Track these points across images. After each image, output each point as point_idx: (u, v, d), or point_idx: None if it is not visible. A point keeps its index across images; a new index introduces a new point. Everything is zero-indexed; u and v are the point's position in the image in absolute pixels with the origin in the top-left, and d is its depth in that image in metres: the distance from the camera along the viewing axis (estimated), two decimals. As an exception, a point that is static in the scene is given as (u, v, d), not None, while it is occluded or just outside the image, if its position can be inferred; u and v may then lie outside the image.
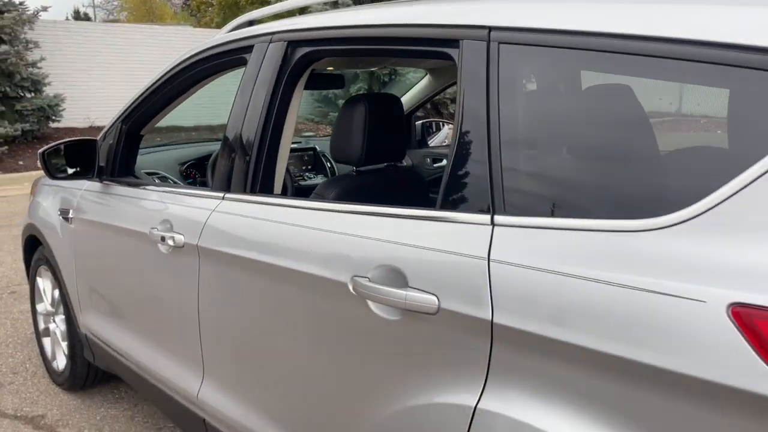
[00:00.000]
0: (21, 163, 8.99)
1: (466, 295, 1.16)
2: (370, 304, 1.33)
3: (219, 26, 29.67)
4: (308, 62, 1.82)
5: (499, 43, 1.27)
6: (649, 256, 0.97)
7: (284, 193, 2.03)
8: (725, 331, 0.86)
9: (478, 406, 1.14)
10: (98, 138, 2.60)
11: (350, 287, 1.37)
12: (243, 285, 1.72)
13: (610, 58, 1.10)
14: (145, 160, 2.86)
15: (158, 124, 2.68)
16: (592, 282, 1.00)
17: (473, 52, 1.31)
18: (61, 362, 3.14)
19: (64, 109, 10.08)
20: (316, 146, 3.56)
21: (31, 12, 9.46)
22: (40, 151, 2.46)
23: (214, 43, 2.12)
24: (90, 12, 54.72)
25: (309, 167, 3.12)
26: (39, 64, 9.68)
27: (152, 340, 2.24)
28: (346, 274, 1.38)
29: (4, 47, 8.91)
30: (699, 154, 1.22)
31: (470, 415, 1.14)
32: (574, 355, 1.01)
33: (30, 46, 9.30)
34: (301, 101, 1.97)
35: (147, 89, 2.43)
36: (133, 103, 2.49)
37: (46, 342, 3.28)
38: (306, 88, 2.20)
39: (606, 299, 0.98)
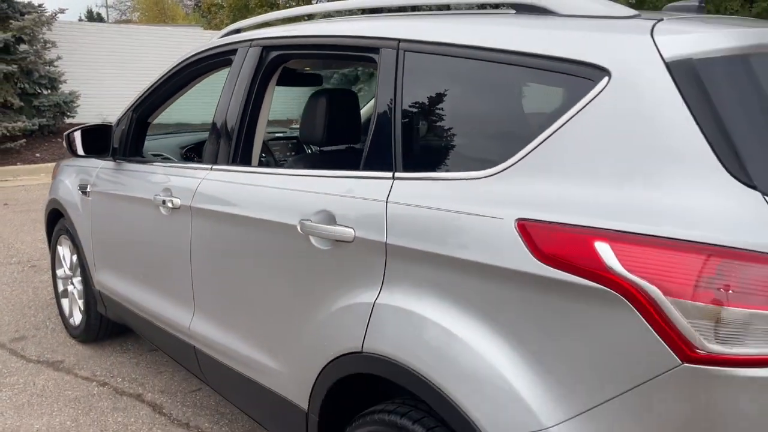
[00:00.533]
0: (38, 155, 9.56)
1: (370, 226, 1.66)
2: (311, 238, 1.83)
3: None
4: (279, 62, 2.32)
5: (406, 51, 1.77)
6: (479, 193, 1.46)
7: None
8: (513, 237, 1.35)
9: (376, 301, 1.63)
10: (113, 124, 3.12)
11: (298, 228, 1.87)
12: (224, 234, 2.23)
13: (464, 62, 1.61)
14: (151, 145, 3.36)
15: (169, 120, 3.20)
16: (447, 212, 1.50)
17: (389, 57, 1.81)
18: (77, 318, 3.66)
19: (78, 106, 10.64)
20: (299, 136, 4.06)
21: (50, 14, 10.02)
22: (66, 133, 2.98)
23: (208, 47, 2.63)
24: (103, 12, 55.44)
25: (292, 153, 3.62)
26: (55, 63, 10.24)
27: (154, 287, 2.75)
28: (296, 219, 1.88)
29: (24, 47, 9.48)
30: (503, 128, 1.69)
31: (371, 307, 1.64)
32: (434, 260, 1.50)
33: (48, 45, 9.86)
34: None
35: (154, 84, 2.95)
36: (142, 95, 3.00)
37: (65, 302, 3.79)
38: (284, 84, 2.72)
39: (454, 222, 1.48)
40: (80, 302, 3.59)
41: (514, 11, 1.67)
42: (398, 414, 1.60)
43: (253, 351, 2.14)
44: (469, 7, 2.15)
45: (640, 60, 1.31)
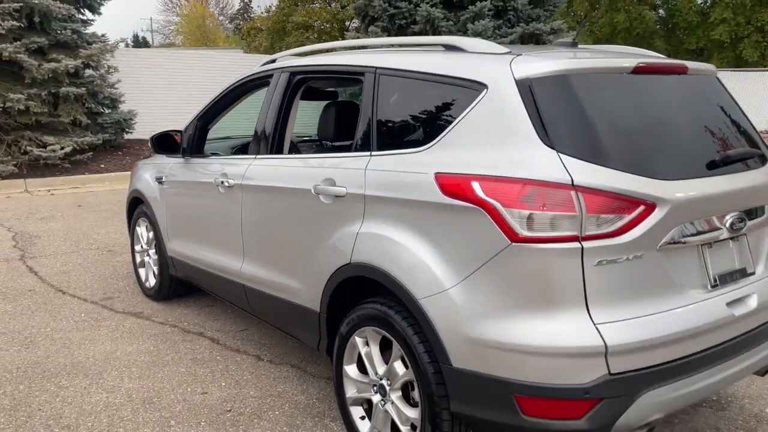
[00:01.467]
0: (102, 166, 10.84)
1: (355, 185, 2.64)
2: (320, 197, 2.82)
3: (267, 50, 31.86)
4: (301, 83, 3.34)
5: (379, 75, 2.76)
6: (415, 161, 2.43)
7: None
8: (431, 183, 2.31)
9: (359, 231, 2.61)
10: (183, 129, 4.18)
11: (312, 191, 2.86)
12: (264, 200, 3.24)
13: (413, 81, 2.59)
14: (210, 146, 4.40)
15: (226, 134, 4.29)
16: (398, 172, 2.47)
17: (372, 78, 2.80)
18: (151, 282, 4.72)
19: (135, 123, 11.93)
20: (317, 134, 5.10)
21: (112, 42, 11.35)
22: (151, 136, 4.07)
23: (253, 73, 3.67)
24: (148, 36, 57.95)
25: (312, 148, 4.63)
26: (116, 85, 11.55)
27: (213, 246, 3.78)
28: (310, 185, 2.88)
29: (90, 72, 10.81)
30: (431, 122, 2.63)
31: (355, 235, 2.62)
32: (391, 201, 2.47)
33: (111, 70, 11.17)
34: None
35: (212, 100, 4.00)
36: (204, 108, 4.06)
37: (141, 271, 4.87)
38: (306, 99, 3.73)
39: (401, 178, 2.45)
40: (155, 268, 4.65)
41: (444, 49, 2.66)
42: (376, 303, 2.56)
43: (283, 278, 3.14)
44: (419, 45, 3.12)
45: (502, 79, 2.28)
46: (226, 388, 3.37)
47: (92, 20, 11.38)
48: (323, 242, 2.82)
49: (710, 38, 30.84)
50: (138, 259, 4.92)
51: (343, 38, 15.47)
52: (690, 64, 2.62)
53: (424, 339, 2.32)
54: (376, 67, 2.79)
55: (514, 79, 2.25)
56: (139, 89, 13.22)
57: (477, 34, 13.40)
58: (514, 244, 2.09)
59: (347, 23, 30.20)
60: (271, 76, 3.48)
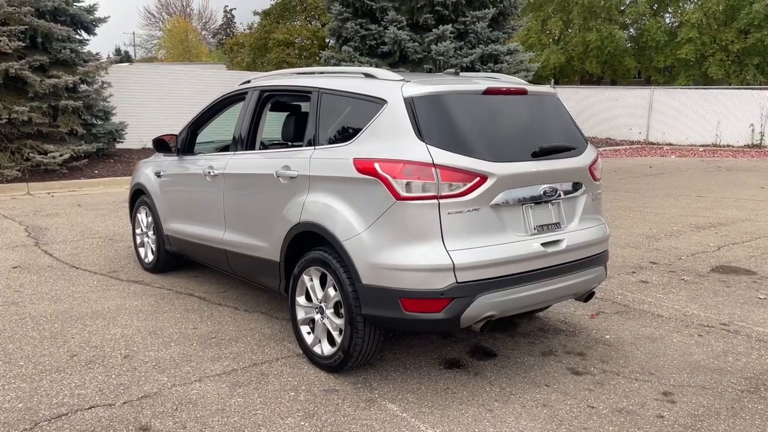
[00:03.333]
0: (96, 171, 11.91)
1: (303, 169, 3.82)
2: (279, 179, 4.00)
3: (249, 65, 33.11)
4: (268, 98, 4.53)
5: (321, 93, 3.96)
6: (341, 151, 3.62)
7: (260, 154, 4.72)
8: (351, 165, 3.50)
9: (305, 200, 3.78)
10: (177, 134, 5.34)
11: (274, 174, 4.04)
12: (240, 184, 4.42)
13: (342, 98, 3.79)
14: (198, 147, 5.55)
15: (211, 138, 5.46)
16: (330, 159, 3.66)
17: (315, 96, 4.00)
18: (149, 258, 5.86)
19: (126, 133, 13.01)
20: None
21: (105, 60, 12.47)
22: (153, 138, 5.24)
23: (232, 91, 4.86)
24: (131, 50, 58.78)
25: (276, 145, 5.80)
26: (108, 99, 12.64)
27: (201, 222, 4.94)
28: (273, 170, 4.06)
29: (85, 87, 11.92)
30: (353, 126, 3.82)
31: (303, 203, 3.79)
32: (326, 179, 3.65)
33: (104, 85, 12.27)
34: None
35: (201, 112, 5.18)
36: (194, 117, 5.23)
37: (141, 250, 6.01)
38: (274, 110, 4.92)
39: (332, 162, 3.63)
40: (153, 246, 5.78)
41: (364, 76, 3.87)
42: (319, 252, 3.72)
43: (254, 240, 4.31)
44: (348, 73, 4.27)
45: (396, 97, 3.48)
46: (211, 325, 4.52)
47: (88, 40, 12.49)
48: (281, 210, 3.99)
49: (677, 57, 32.31)
50: (138, 240, 6.05)
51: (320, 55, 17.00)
52: (530, 88, 3.86)
53: (346, 269, 3.50)
54: (319, 88, 4.00)
55: (403, 97, 3.46)
56: (130, 102, 14.30)
57: (440, 55, 14.73)
58: (397, 201, 3.28)
59: (327, 40, 31.57)
60: (246, 93, 4.67)
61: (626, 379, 3.73)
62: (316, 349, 3.81)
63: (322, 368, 3.78)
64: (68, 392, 3.47)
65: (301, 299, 3.93)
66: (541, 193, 3.55)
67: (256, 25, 36.20)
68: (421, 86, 3.50)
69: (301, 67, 28.05)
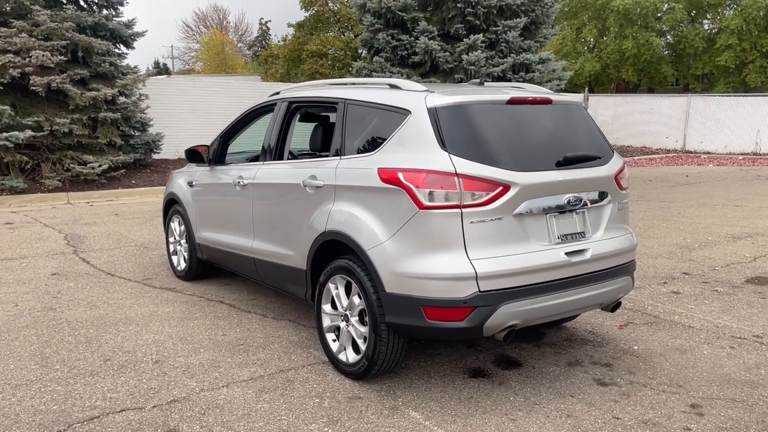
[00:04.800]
0: (133, 181, 12.22)
1: (330, 179, 3.88)
2: (306, 188, 4.07)
3: (282, 77, 33.58)
4: (296, 110, 4.62)
5: (347, 104, 4.03)
6: (367, 161, 3.68)
7: (289, 164, 4.80)
8: (375, 174, 3.55)
9: (331, 209, 3.84)
10: (209, 145, 5.47)
11: (301, 184, 4.11)
12: (269, 193, 4.50)
13: (368, 108, 3.85)
14: (230, 158, 5.67)
15: (242, 149, 5.59)
16: (356, 169, 3.72)
17: (342, 107, 4.07)
18: (182, 266, 5.99)
19: (162, 144, 13.32)
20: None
21: (143, 73, 12.80)
22: (186, 149, 5.38)
23: (261, 102, 4.97)
24: (169, 63, 60.13)
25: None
26: (145, 110, 12.97)
27: (230, 231, 5.04)
28: (300, 180, 4.13)
29: (124, 99, 12.26)
30: (378, 136, 3.86)
31: (329, 212, 3.85)
32: (352, 188, 3.70)
33: (142, 98, 12.59)
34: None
35: (232, 122, 5.29)
36: (225, 128, 5.35)
37: (174, 258, 6.15)
38: (302, 120, 5.00)
39: (358, 172, 3.69)
40: (185, 254, 5.92)
41: (389, 87, 3.92)
42: (344, 260, 3.77)
43: (281, 249, 4.39)
44: (373, 84, 4.32)
45: (419, 108, 3.52)
46: (239, 332, 4.61)
47: (126, 53, 12.86)
48: (308, 219, 4.06)
49: (716, 64, 31.71)
50: (171, 249, 6.19)
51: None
52: (555, 97, 3.86)
53: (370, 277, 3.54)
54: (345, 99, 4.07)
55: (426, 107, 3.50)
56: (166, 113, 14.64)
57: (471, 64, 14.74)
58: (420, 210, 3.32)
59: (359, 51, 31.82)
60: (275, 104, 4.77)
61: (653, 391, 3.69)
62: (341, 357, 3.85)
63: (347, 375, 3.82)
64: (101, 395, 3.58)
65: (326, 307, 3.98)
66: (566, 202, 3.55)
67: (290, 37, 36.67)
68: (444, 96, 3.54)
69: (334, 77, 28.41)
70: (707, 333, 4.62)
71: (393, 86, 3.91)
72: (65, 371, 3.91)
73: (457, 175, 3.28)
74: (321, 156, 4.35)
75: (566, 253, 3.52)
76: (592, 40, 36.62)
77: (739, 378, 3.87)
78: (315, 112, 4.83)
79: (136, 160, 12.35)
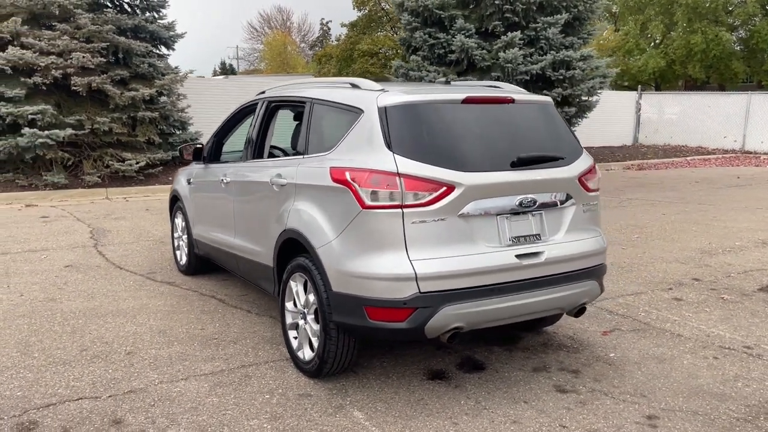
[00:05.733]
0: (170, 178, 12.62)
1: (291, 177, 3.92)
2: (273, 186, 4.12)
3: (335, 76, 33.95)
4: (275, 109, 4.68)
5: (312, 103, 4.05)
6: (321, 159, 3.69)
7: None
8: (327, 174, 3.55)
9: (291, 207, 3.88)
10: (204, 143, 5.60)
11: (269, 182, 4.17)
12: (243, 191, 4.58)
13: (328, 107, 3.86)
14: (226, 156, 5.77)
15: (238, 147, 5.70)
16: (312, 167, 3.74)
17: (308, 106, 4.09)
18: (183, 260, 6.15)
19: (200, 142, 13.70)
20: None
21: (182, 74, 13.21)
22: (179, 147, 5.52)
23: (247, 102, 5.05)
24: (234, 63, 61.66)
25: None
26: (185, 110, 13.36)
27: (218, 227, 5.14)
28: (268, 178, 4.18)
29: (163, 98, 12.68)
30: (333, 135, 3.85)
31: (289, 210, 3.89)
32: (308, 187, 3.73)
33: (180, 97, 12.99)
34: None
35: (224, 121, 5.40)
36: (219, 127, 5.47)
37: (177, 252, 6.32)
38: (280, 120, 5.05)
39: (314, 170, 3.71)
40: (186, 249, 6.08)
41: (350, 86, 3.92)
42: (302, 258, 3.79)
43: (254, 246, 4.45)
44: (339, 83, 4.29)
45: (371, 107, 3.51)
46: (219, 327, 4.70)
47: (168, 54, 13.30)
48: (273, 217, 4.10)
49: (791, 60, 30.12)
50: (175, 244, 6.38)
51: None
52: (518, 96, 3.77)
53: (321, 276, 3.55)
54: (312, 98, 4.09)
55: (377, 107, 3.48)
56: (207, 113, 15.02)
57: (508, 62, 14.50)
58: (363, 210, 3.31)
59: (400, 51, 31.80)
60: (257, 103, 4.84)
61: (613, 400, 3.55)
62: (300, 354, 3.88)
63: (303, 373, 3.84)
64: (65, 384, 3.73)
65: (289, 304, 4.01)
66: (517, 204, 3.46)
67: (342, 37, 37.00)
68: (396, 96, 3.51)
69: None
70: (694, 342, 4.42)
71: (353, 85, 3.91)
72: (42, 359, 4.08)
73: (399, 174, 3.25)
74: (292, 155, 4.38)
75: (517, 256, 3.43)
76: (658, 35, 35.31)
77: (711, 390, 3.68)
78: (291, 111, 4.88)
79: (174, 157, 12.73)
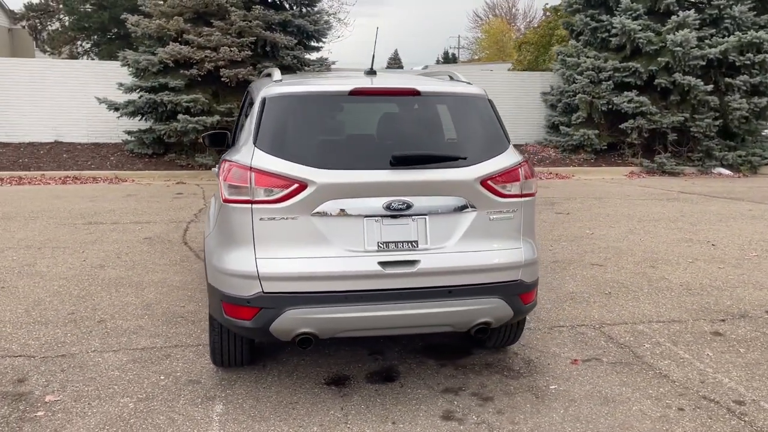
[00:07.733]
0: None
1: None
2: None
3: (530, 63, 32.76)
4: (251, 103, 4.75)
5: (247, 93, 4.05)
6: (231, 151, 3.69)
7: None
8: (223, 167, 3.56)
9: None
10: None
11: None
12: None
13: (252, 100, 3.83)
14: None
15: None
16: (221, 161, 3.76)
17: (247, 97, 4.10)
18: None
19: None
20: None
21: (324, 65, 13.86)
22: (202, 135, 5.86)
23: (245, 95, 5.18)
24: (456, 53, 62.80)
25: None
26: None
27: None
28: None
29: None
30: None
31: (212, 202, 3.95)
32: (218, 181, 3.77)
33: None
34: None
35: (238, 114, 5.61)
36: (236, 116, 5.70)
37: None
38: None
39: (221, 165, 3.73)
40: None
41: (267, 76, 3.84)
42: None
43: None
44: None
45: (259, 98, 3.42)
46: (197, 306, 4.93)
47: (318, 47, 14.04)
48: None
49: None
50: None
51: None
52: (423, 88, 3.38)
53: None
54: (249, 90, 4.09)
55: (261, 97, 3.39)
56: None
57: (678, 45, 12.84)
58: (223, 204, 3.26)
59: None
60: (246, 97, 4.95)
61: (491, 438, 3.08)
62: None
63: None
64: (22, 341, 4.22)
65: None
66: (383, 206, 3.12)
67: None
68: (280, 87, 3.38)
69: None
70: (675, 388, 3.62)
71: (268, 75, 3.82)
72: (34, 317, 4.66)
73: (251, 169, 3.14)
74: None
75: (381, 263, 3.12)
76: None
77: (625, 448, 3.01)
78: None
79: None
